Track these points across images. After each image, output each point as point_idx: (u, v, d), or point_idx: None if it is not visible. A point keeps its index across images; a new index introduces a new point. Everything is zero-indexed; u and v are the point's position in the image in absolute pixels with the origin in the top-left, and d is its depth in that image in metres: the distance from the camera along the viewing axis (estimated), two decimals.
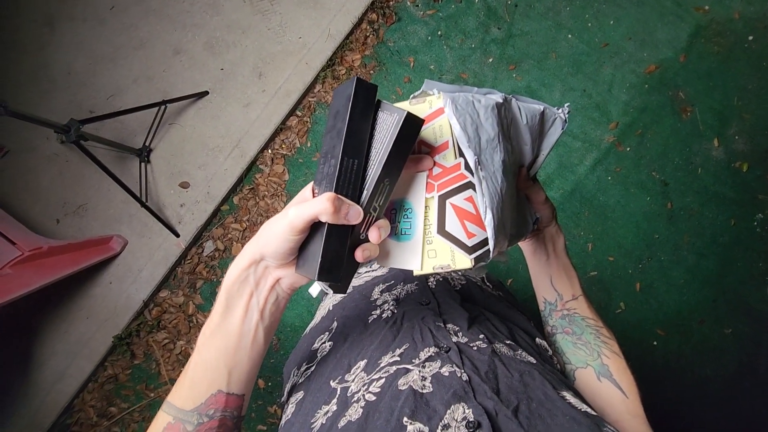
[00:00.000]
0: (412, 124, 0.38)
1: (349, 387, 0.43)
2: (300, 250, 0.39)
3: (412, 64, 1.79)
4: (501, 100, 0.45)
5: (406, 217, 0.44)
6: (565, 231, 1.94)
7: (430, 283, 0.60)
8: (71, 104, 1.69)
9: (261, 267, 0.39)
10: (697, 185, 1.76)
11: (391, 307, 0.55)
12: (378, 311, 0.55)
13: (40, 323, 1.68)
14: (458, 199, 0.42)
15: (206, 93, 1.66)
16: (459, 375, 0.39)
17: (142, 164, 1.61)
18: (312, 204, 0.35)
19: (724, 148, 1.78)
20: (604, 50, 1.82)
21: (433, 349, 0.44)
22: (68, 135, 1.15)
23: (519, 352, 0.47)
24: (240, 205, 1.75)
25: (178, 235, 1.65)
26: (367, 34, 1.77)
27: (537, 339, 0.55)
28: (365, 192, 0.38)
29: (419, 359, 0.43)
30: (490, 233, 0.42)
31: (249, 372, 0.41)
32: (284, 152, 1.75)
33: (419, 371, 0.41)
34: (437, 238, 0.42)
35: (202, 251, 1.74)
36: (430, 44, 1.80)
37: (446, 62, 1.80)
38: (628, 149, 1.78)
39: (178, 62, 1.69)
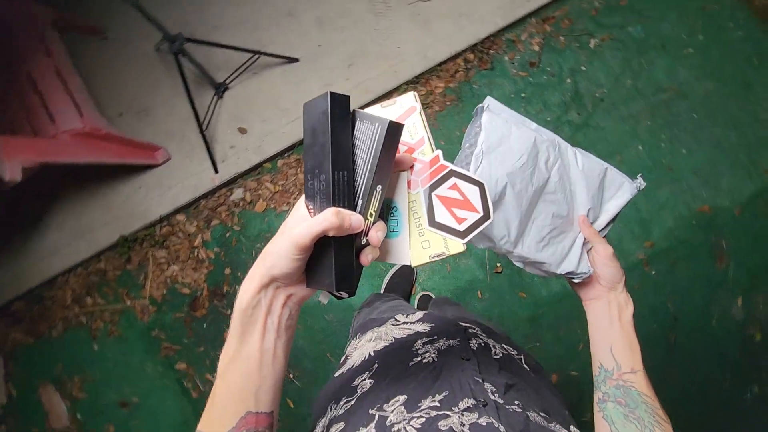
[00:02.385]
0: (394, 130, 0.40)
1: (387, 417, 0.45)
2: (307, 265, 0.40)
3: None
4: (546, 138, 0.55)
5: (392, 215, 0.47)
6: (564, 322, 1.91)
7: (471, 344, 0.61)
8: (178, 20, 1.81)
9: (271, 289, 0.40)
10: (706, 333, 1.75)
11: (433, 355, 0.56)
12: (419, 357, 0.57)
13: (62, 194, 1.77)
14: (443, 189, 0.45)
15: (297, 60, 1.76)
16: (496, 426, 0.41)
17: (215, 97, 1.70)
18: (317, 221, 0.37)
19: (745, 310, 1.77)
20: (667, 173, 1.85)
21: (471, 401, 0.45)
22: (172, 45, 1.24)
23: (553, 424, 0.47)
24: (282, 169, 1.82)
25: (216, 171, 1.72)
26: (459, 69, 1.85)
27: (572, 427, 0.52)
28: (359, 200, 0.40)
29: (458, 408, 0.45)
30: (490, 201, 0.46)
31: (274, 387, 0.42)
32: None
33: (459, 417, 0.42)
34: (429, 229, 0.45)
35: (230, 195, 1.81)
36: (510, 101, 1.87)
37: None
38: (654, 273, 1.79)
39: (286, 23, 1.79)
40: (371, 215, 0.41)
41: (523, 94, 1.87)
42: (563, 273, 0.59)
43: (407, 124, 0.46)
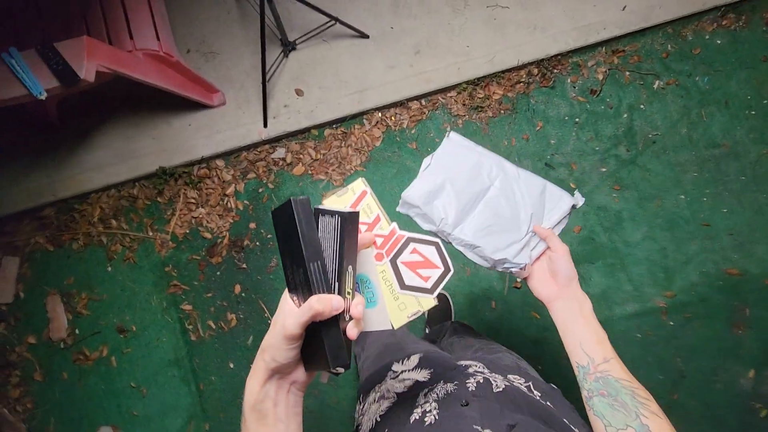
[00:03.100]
0: (352, 218, 0.47)
1: None
2: (302, 352, 0.44)
3: (538, 128, 1.86)
4: (492, 160, 0.73)
5: (367, 287, 0.53)
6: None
7: (469, 385, 0.61)
8: None
9: (274, 380, 0.44)
10: (709, 397, 1.71)
11: (434, 413, 0.56)
12: (420, 410, 0.58)
13: (116, 116, 1.81)
14: (405, 255, 0.53)
15: (367, 36, 1.79)
16: None
17: (282, 55, 1.74)
18: (302, 311, 0.41)
19: (754, 383, 1.73)
20: (703, 228, 1.83)
21: None
22: None
23: None
24: (327, 139, 1.84)
25: (265, 126, 1.75)
26: (520, 80, 1.86)
27: None
28: (335, 283, 0.44)
29: None
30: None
31: None
32: (390, 123, 1.84)
33: None
34: (401, 293, 0.52)
35: (273, 152, 1.84)
36: (563, 123, 1.87)
37: (566, 146, 1.86)
38: (671, 323, 1.76)
39: (363, 1, 1.83)
40: (348, 293, 0.46)
41: (577, 120, 1.87)
42: (498, 259, 0.71)
43: (363, 206, 0.53)
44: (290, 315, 0.41)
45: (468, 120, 1.86)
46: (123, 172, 1.74)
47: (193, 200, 1.82)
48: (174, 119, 1.76)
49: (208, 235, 1.83)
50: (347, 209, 0.47)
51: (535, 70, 1.86)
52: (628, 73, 1.87)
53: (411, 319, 0.51)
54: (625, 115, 1.87)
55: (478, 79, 1.82)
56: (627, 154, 1.86)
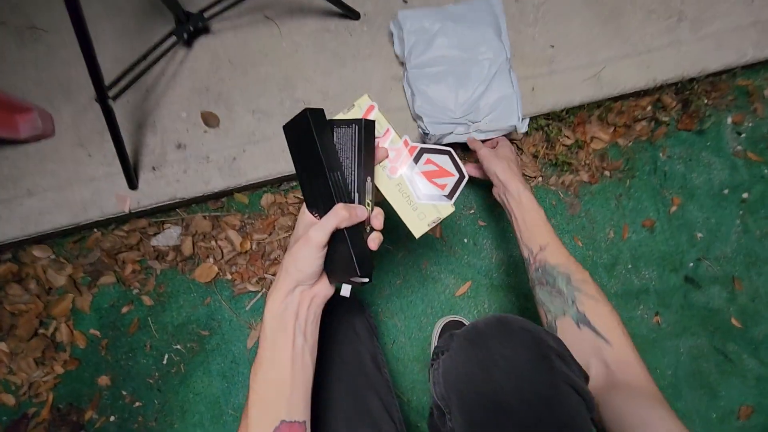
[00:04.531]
0: (369, 127, 0.47)
1: None
2: (325, 265, 0.44)
3: (672, 208, 0.98)
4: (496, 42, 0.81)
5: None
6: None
7: None
8: None
9: (297, 293, 0.43)
10: None
11: None
12: None
13: None
14: (420, 166, 0.54)
15: (357, 16, 0.88)
16: None
17: (177, 42, 0.83)
18: (329, 218, 0.41)
19: None
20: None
21: None
22: None
23: None
24: (268, 210, 0.93)
25: (133, 187, 0.83)
26: (642, 117, 0.98)
27: None
28: (355, 194, 0.45)
29: None
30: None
31: (305, 396, 0.44)
32: None
33: None
34: (420, 203, 0.52)
35: (154, 234, 0.91)
36: (718, 200, 1.00)
37: (724, 245, 0.99)
38: None
39: None
40: (368, 204, 0.46)
41: (744, 195, 1.00)
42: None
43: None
44: (315, 225, 0.41)
45: (542, 186, 0.97)
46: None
47: None
48: None
49: (8, 400, 0.89)
50: (366, 119, 0.46)
51: (670, 100, 0.99)
52: None
53: (431, 227, 0.50)
54: None
55: (567, 111, 0.94)
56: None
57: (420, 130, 0.84)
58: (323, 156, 0.42)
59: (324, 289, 0.45)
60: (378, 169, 0.50)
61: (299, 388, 0.43)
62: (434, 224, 0.51)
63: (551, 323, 0.54)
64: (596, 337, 0.50)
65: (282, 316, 0.42)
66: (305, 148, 0.43)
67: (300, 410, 0.42)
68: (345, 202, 0.42)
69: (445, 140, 0.84)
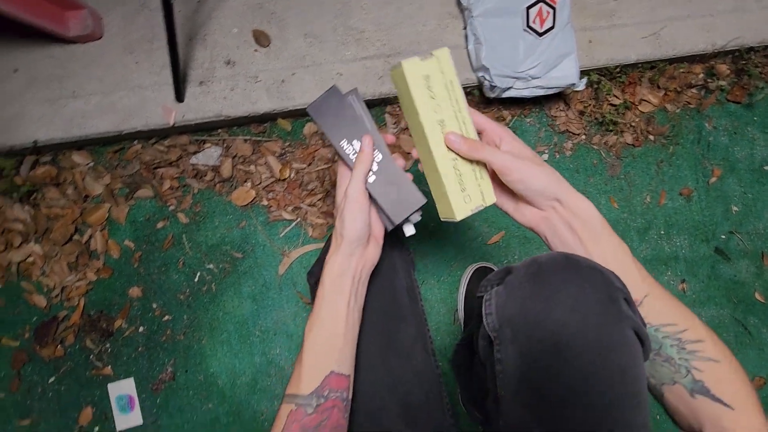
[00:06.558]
0: (358, 95, 0.50)
1: None
2: (381, 215, 0.50)
3: (712, 178, 0.98)
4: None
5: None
6: None
7: None
8: None
9: (354, 258, 0.46)
10: None
11: None
12: None
13: None
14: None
15: None
16: None
17: None
18: (356, 169, 0.46)
19: None
20: None
21: None
22: None
23: None
24: (309, 139, 0.92)
25: (180, 99, 0.82)
26: (694, 83, 0.97)
27: None
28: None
29: None
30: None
31: (351, 352, 0.47)
32: None
33: None
34: (469, 185, 0.48)
35: (195, 152, 0.91)
36: (757, 176, 0.99)
37: (759, 220, 0.99)
38: None
39: None
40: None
41: None
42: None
43: (446, 80, 0.48)
44: (349, 183, 0.46)
45: (584, 144, 0.97)
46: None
47: (15, 227, 0.89)
48: None
49: (39, 302, 0.90)
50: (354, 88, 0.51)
51: (724, 68, 0.97)
52: None
53: (474, 212, 0.48)
54: None
55: (622, 67, 0.92)
56: None
57: (487, 81, 0.83)
58: (366, 119, 0.49)
59: (374, 255, 0.49)
60: (437, 137, 0.46)
61: (349, 343, 0.46)
62: (477, 210, 0.48)
63: (655, 389, 0.46)
64: (718, 406, 0.42)
65: (341, 279, 0.46)
66: (341, 113, 0.48)
67: (348, 364, 0.46)
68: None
69: (505, 94, 0.83)
